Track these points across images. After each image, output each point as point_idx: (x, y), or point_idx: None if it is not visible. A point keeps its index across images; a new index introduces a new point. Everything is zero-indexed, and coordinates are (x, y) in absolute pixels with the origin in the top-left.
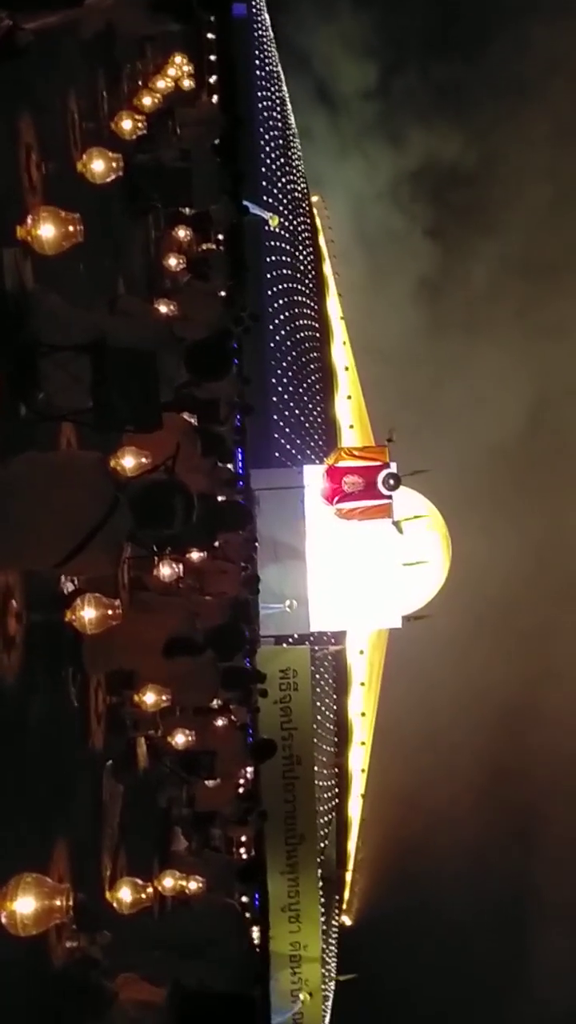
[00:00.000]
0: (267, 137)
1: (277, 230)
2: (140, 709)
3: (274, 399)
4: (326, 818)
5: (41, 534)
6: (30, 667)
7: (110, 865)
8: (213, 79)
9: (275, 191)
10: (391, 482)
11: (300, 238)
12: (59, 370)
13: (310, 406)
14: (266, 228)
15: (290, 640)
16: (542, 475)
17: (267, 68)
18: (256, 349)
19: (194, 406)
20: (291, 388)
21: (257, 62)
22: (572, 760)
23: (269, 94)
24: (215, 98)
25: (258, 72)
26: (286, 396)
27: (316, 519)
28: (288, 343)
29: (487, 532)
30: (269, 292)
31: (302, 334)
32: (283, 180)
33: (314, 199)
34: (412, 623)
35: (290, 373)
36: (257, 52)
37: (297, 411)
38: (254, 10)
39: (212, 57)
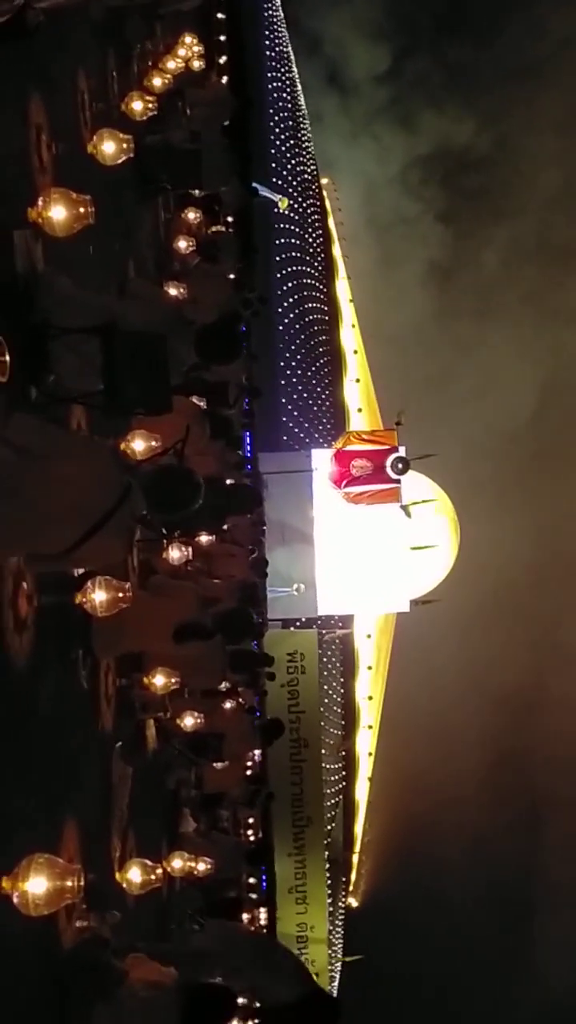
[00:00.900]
0: (277, 118)
1: (286, 212)
2: (149, 691)
3: (282, 382)
4: (333, 801)
5: (50, 519)
6: (41, 649)
7: (119, 846)
8: (223, 60)
9: (284, 173)
10: (399, 466)
11: (309, 220)
12: (69, 353)
13: (318, 389)
14: (275, 210)
15: (298, 624)
16: (551, 460)
17: (277, 49)
18: (265, 332)
19: (203, 389)
20: (299, 371)
21: (267, 43)
22: None
23: (279, 75)
24: (225, 79)
25: (268, 53)
26: (294, 379)
27: (324, 503)
28: (297, 326)
29: (495, 517)
30: (278, 275)
31: (311, 317)
32: (293, 162)
33: (323, 181)
34: (420, 607)
35: (299, 356)
36: (267, 33)
37: (305, 394)
38: None
39: (222, 37)
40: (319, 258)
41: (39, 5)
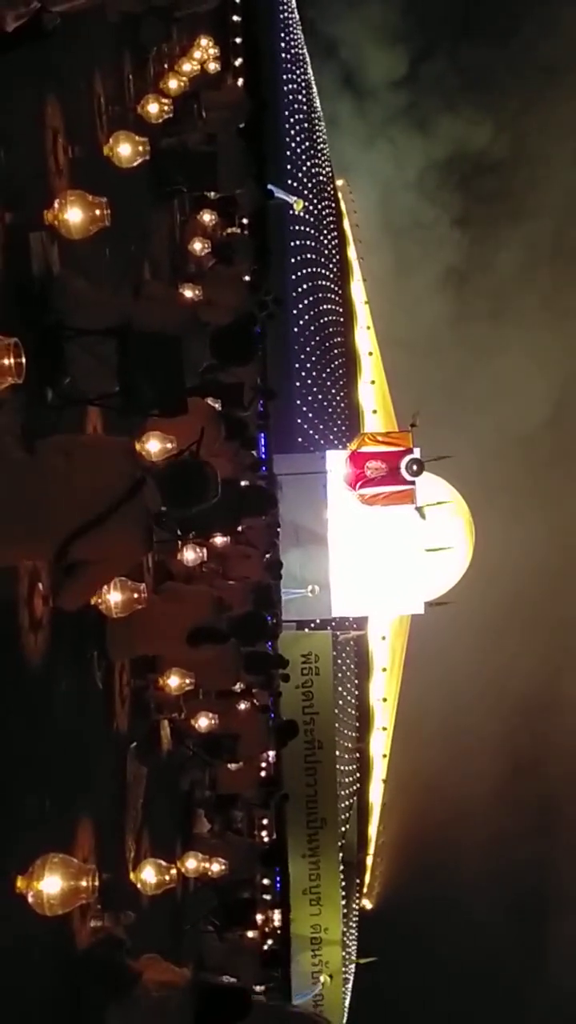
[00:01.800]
0: (292, 120)
1: (301, 214)
2: (164, 692)
3: (297, 384)
4: (347, 802)
5: (62, 510)
6: (56, 649)
7: (134, 846)
8: (239, 62)
9: (300, 175)
10: (414, 468)
11: (324, 222)
12: (85, 354)
13: (333, 391)
14: (290, 212)
15: (312, 625)
16: (567, 462)
17: (293, 51)
18: (280, 334)
19: (218, 391)
20: (314, 373)
21: (283, 44)
22: None
23: (295, 77)
24: (240, 81)
25: (284, 55)
26: (309, 381)
27: (339, 504)
28: (312, 328)
29: (511, 519)
30: (293, 276)
31: (326, 319)
32: (308, 164)
33: (339, 183)
34: (434, 609)
35: (313, 358)
36: (283, 35)
37: (320, 396)
38: None
39: (238, 40)
40: (334, 260)
41: (55, 8)
